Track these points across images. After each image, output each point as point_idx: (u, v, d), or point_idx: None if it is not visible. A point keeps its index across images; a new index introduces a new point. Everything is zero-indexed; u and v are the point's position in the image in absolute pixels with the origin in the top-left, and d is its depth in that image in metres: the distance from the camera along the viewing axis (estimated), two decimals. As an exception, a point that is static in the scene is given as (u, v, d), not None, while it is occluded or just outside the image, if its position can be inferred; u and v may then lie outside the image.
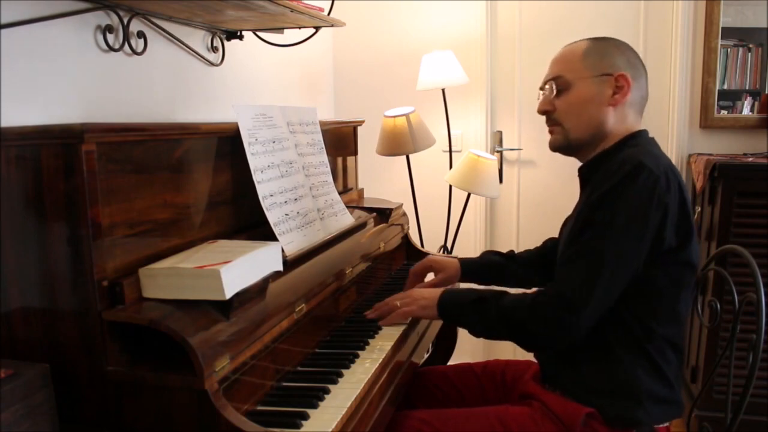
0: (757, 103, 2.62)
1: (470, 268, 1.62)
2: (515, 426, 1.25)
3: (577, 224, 1.23)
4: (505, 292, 1.29)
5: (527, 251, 1.65)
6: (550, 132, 1.38)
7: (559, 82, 1.32)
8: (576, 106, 1.31)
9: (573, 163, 1.39)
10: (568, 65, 1.32)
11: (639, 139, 1.30)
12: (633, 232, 1.16)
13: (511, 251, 1.66)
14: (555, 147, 1.38)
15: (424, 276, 1.66)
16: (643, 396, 1.21)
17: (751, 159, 2.35)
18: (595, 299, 1.16)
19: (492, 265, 1.62)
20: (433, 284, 1.58)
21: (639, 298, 1.21)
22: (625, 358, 1.22)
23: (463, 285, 1.64)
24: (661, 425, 1.24)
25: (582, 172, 1.38)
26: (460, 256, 2.16)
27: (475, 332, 1.31)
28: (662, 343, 1.23)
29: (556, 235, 1.63)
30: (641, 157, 1.19)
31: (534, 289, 1.27)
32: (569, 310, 1.17)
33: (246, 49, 2.02)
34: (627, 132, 1.31)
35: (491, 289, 1.32)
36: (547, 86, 1.35)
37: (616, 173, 1.18)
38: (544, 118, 1.37)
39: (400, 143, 2.44)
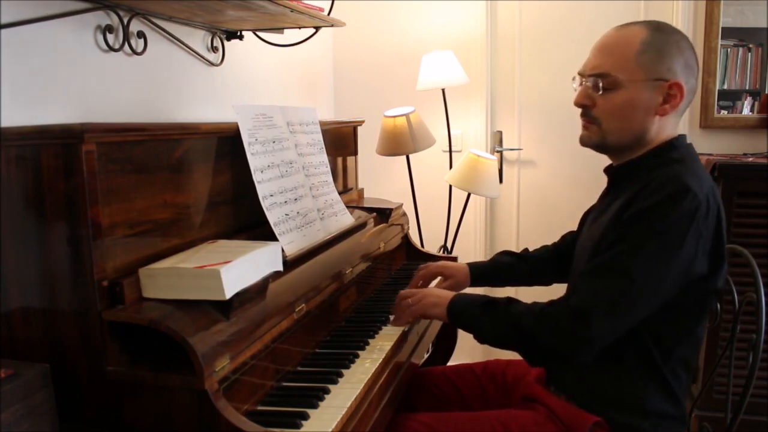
0: (757, 103, 2.62)
1: (480, 273, 1.61)
2: (518, 430, 1.23)
3: (608, 233, 1.17)
4: (516, 299, 1.26)
5: (543, 248, 1.62)
6: (584, 127, 1.28)
7: (606, 81, 1.20)
8: (621, 109, 1.21)
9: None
10: (620, 61, 1.19)
11: (681, 150, 1.22)
12: (666, 256, 1.10)
13: (525, 249, 1.64)
14: (588, 144, 1.29)
15: (432, 281, 1.65)
16: (651, 412, 1.19)
17: (751, 159, 2.35)
18: (616, 319, 1.12)
19: (502, 267, 1.60)
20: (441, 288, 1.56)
21: (661, 320, 1.16)
22: (637, 375, 1.19)
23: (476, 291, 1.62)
24: None
25: (612, 174, 1.32)
26: (460, 256, 2.17)
27: (483, 337, 1.27)
28: (677, 363, 1.20)
29: (557, 235, 1.63)
30: (687, 179, 1.12)
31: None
32: (585, 324, 1.11)
33: (246, 49, 2.02)
34: (667, 138, 1.23)
35: (501, 297, 1.29)
36: (590, 79, 1.23)
37: (659, 191, 1.11)
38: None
39: (400, 143, 2.44)
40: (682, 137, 1.25)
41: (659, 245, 1.10)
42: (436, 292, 1.38)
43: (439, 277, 1.64)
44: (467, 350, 2.73)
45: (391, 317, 1.50)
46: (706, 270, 1.15)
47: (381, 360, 1.28)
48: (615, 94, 1.20)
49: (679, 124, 1.27)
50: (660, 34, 1.20)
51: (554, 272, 1.57)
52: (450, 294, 1.33)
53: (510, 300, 1.25)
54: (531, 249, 1.63)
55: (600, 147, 1.28)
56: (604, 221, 1.23)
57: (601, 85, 1.21)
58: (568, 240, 1.57)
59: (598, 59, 1.23)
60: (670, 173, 1.15)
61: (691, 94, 1.23)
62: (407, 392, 1.49)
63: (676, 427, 1.23)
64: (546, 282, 1.61)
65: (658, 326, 1.16)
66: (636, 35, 1.20)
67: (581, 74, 1.27)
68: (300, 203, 1.49)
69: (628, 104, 1.20)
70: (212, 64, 1.84)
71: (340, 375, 1.21)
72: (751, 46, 2.60)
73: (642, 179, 1.18)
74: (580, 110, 1.27)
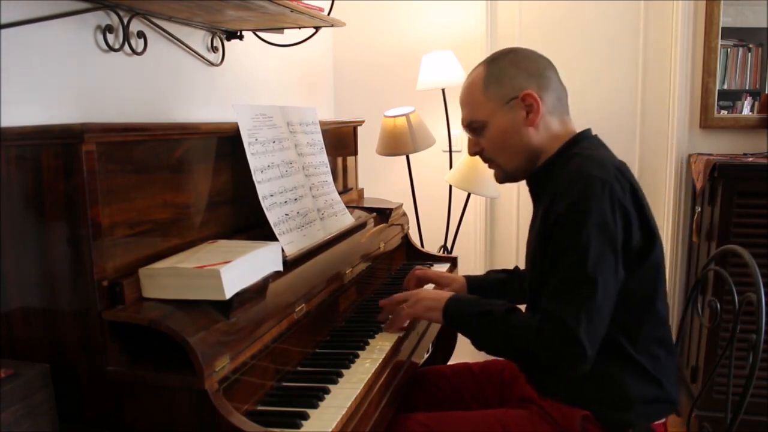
0: (757, 103, 2.61)
1: (476, 286, 1.61)
2: (515, 429, 1.25)
3: (538, 243, 1.22)
4: (514, 309, 1.25)
5: None
6: (490, 168, 1.39)
7: (475, 126, 1.32)
8: (498, 141, 1.31)
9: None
10: (474, 105, 1.32)
11: (581, 144, 1.28)
12: (607, 246, 1.14)
13: (516, 267, 1.65)
14: (501, 181, 1.39)
15: (426, 284, 1.65)
16: (634, 400, 1.20)
17: (751, 159, 2.35)
18: (598, 325, 1.13)
19: (497, 283, 1.62)
20: None
21: (619, 307, 1.18)
22: (611, 368, 1.20)
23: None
24: (657, 422, 1.24)
25: (530, 185, 1.36)
26: (460, 256, 2.18)
27: (478, 345, 1.27)
28: (647, 344, 1.22)
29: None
30: (589, 168, 1.17)
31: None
32: (574, 341, 1.12)
33: (246, 49, 2.02)
34: (565, 137, 1.30)
35: (499, 303, 1.28)
36: (467, 130, 1.36)
37: (569, 191, 1.16)
38: None
39: (400, 143, 2.44)
40: (582, 133, 1.31)
41: (596, 239, 1.13)
42: (432, 294, 1.37)
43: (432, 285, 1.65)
44: (467, 350, 2.72)
45: (383, 326, 1.46)
46: (641, 243, 1.18)
47: (381, 360, 1.28)
48: (487, 132, 1.31)
49: (566, 121, 1.32)
50: (494, 64, 1.31)
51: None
52: (445, 296, 1.33)
53: (508, 311, 1.24)
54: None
55: (511, 179, 1.37)
56: (534, 231, 1.29)
57: (474, 130, 1.33)
58: None
59: (463, 113, 1.36)
60: (573, 170, 1.20)
61: (555, 91, 1.30)
62: (407, 392, 1.49)
63: (664, 410, 1.24)
64: None
65: (617, 314, 1.18)
66: (477, 78, 1.32)
67: (463, 128, 1.38)
68: (300, 203, 1.49)
69: (500, 134, 1.30)
70: (212, 64, 1.84)
71: (340, 375, 1.21)
72: (751, 46, 2.60)
73: (553, 182, 1.23)
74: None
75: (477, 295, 1.59)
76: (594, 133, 1.33)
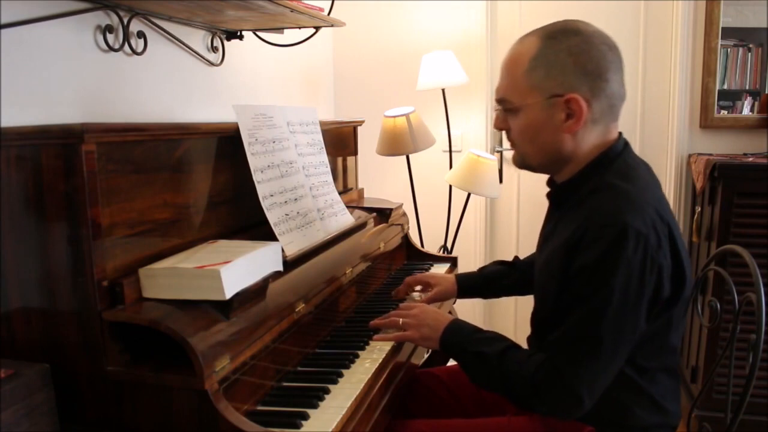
0: (757, 103, 2.62)
1: (468, 284, 1.59)
2: None
3: (553, 278, 1.13)
4: (510, 348, 1.18)
5: (533, 254, 1.57)
6: (511, 148, 1.26)
7: (506, 106, 1.18)
8: (526, 132, 1.18)
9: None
10: (513, 84, 1.16)
11: (617, 167, 1.15)
12: (630, 305, 1.05)
13: (516, 258, 1.63)
14: (517, 166, 1.27)
15: (416, 286, 1.65)
16: (638, 426, 1.18)
17: (751, 159, 2.35)
18: (602, 378, 1.09)
19: (491, 277, 1.58)
20: (429, 298, 1.56)
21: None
22: (618, 395, 1.15)
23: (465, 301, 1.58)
24: None
25: (552, 190, 1.28)
26: (460, 256, 2.17)
27: (474, 383, 1.25)
28: (655, 373, 1.17)
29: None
30: (624, 213, 1.05)
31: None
32: (573, 395, 1.08)
33: (246, 49, 2.02)
34: (601, 146, 1.16)
35: (495, 340, 1.21)
36: (497, 103, 1.21)
37: (600, 239, 1.05)
38: None
39: (400, 143, 2.44)
40: (615, 146, 1.17)
41: (619, 299, 1.04)
42: (429, 320, 1.29)
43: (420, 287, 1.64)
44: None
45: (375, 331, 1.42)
46: (670, 293, 1.10)
47: (381, 360, 1.28)
48: (517, 118, 1.17)
49: (610, 129, 1.17)
50: (550, 44, 1.13)
51: None
52: (441, 325, 1.26)
53: (502, 353, 1.17)
54: (530, 250, 1.62)
55: (525, 168, 1.25)
56: (553, 248, 1.19)
57: (505, 107, 1.19)
58: None
59: (499, 82, 1.20)
60: (607, 210, 1.08)
61: (608, 98, 1.14)
62: (404, 398, 1.47)
63: (667, 429, 1.22)
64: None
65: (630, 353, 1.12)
66: (527, 51, 1.14)
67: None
68: (300, 203, 1.49)
69: (531, 128, 1.16)
70: (212, 64, 1.84)
71: (340, 375, 1.21)
72: (751, 46, 2.60)
73: (581, 207, 1.13)
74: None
75: (471, 292, 1.60)
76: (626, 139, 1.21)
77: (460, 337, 1.24)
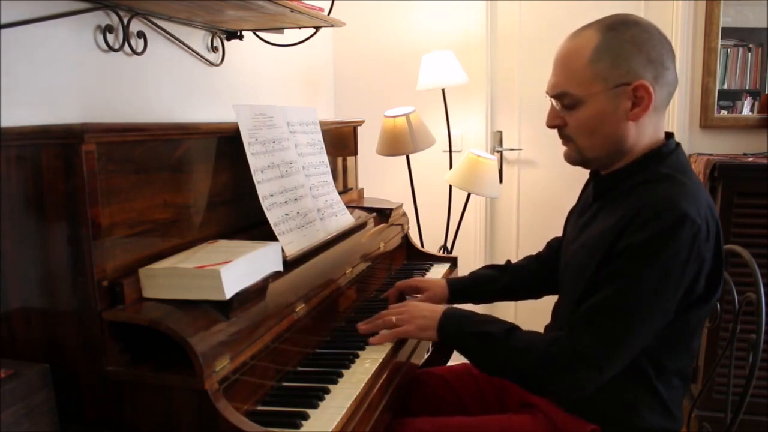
0: (757, 103, 2.62)
1: (459, 288, 1.56)
2: None
3: (598, 253, 1.12)
4: (515, 328, 1.18)
5: (527, 258, 1.59)
6: (564, 145, 1.24)
7: (567, 100, 1.16)
8: (589, 125, 1.15)
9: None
10: (575, 77, 1.14)
11: (671, 161, 1.15)
12: (667, 289, 1.06)
13: (508, 261, 1.61)
14: (571, 162, 1.24)
15: (407, 293, 1.62)
16: (643, 427, 1.17)
17: (751, 159, 2.35)
18: (622, 357, 1.09)
19: (482, 281, 1.56)
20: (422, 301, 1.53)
21: (656, 340, 1.12)
22: (629, 394, 1.16)
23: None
24: None
25: (597, 181, 1.26)
26: (460, 256, 2.17)
27: (478, 367, 1.23)
28: (671, 376, 1.17)
29: (558, 234, 1.62)
30: (683, 203, 1.05)
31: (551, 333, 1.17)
32: (590, 368, 1.08)
33: (246, 49, 2.02)
34: (653, 141, 1.17)
35: (497, 322, 1.21)
36: (554, 99, 1.19)
37: (655, 221, 1.05)
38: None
39: (400, 143, 2.44)
40: (669, 143, 1.18)
41: (661, 280, 1.05)
42: (424, 310, 1.29)
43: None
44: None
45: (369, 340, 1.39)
46: (703, 292, 1.11)
47: (381, 360, 1.28)
48: (579, 112, 1.15)
49: (663, 120, 1.19)
50: (612, 35, 1.13)
51: (543, 284, 1.52)
52: (437, 314, 1.25)
53: (509, 331, 1.17)
54: (530, 250, 1.62)
55: (582, 163, 1.24)
56: (595, 235, 1.18)
57: (563, 102, 1.17)
58: (555, 247, 1.53)
59: (555, 77, 1.19)
60: (664, 196, 1.08)
61: (668, 86, 1.15)
62: (405, 397, 1.47)
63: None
64: (535, 295, 1.56)
65: (652, 346, 1.13)
66: (587, 44, 1.14)
67: (547, 94, 1.21)
68: (300, 203, 1.49)
69: (594, 119, 1.14)
70: (212, 64, 1.84)
71: (340, 375, 1.21)
72: (751, 46, 2.60)
73: (631, 196, 1.13)
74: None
75: (462, 297, 1.57)
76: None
77: (460, 321, 1.23)
